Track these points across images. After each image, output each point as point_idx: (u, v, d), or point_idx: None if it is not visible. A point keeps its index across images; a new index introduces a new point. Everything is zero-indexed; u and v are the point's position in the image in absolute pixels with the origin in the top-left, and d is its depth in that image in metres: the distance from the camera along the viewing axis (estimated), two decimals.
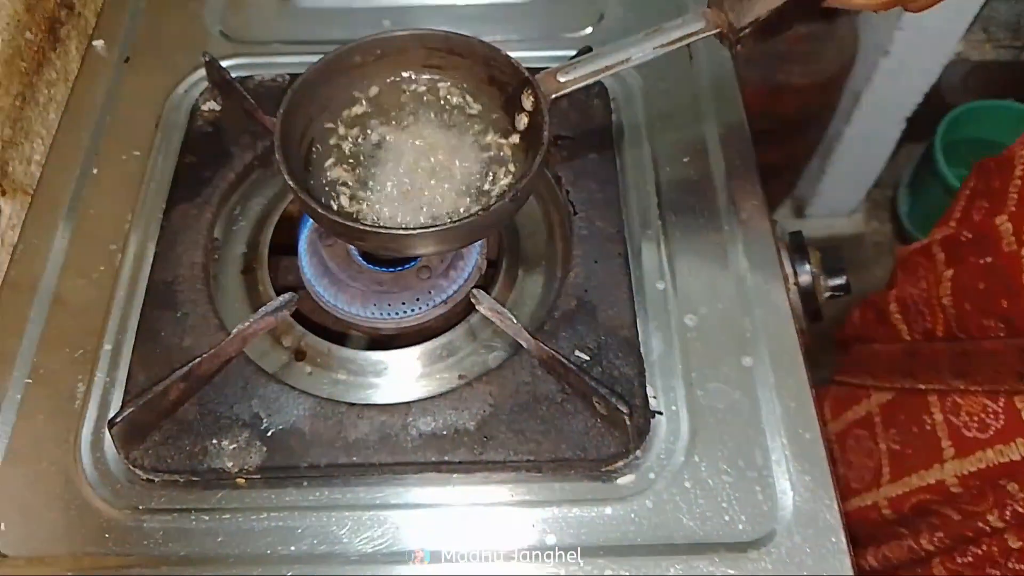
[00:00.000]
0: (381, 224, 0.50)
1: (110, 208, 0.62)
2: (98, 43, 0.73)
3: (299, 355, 0.56)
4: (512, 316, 0.52)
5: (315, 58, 0.68)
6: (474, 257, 0.57)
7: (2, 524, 0.50)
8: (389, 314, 0.55)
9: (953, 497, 0.62)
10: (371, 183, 0.52)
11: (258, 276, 0.59)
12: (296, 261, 0.58)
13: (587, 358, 0.52)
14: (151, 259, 0.59)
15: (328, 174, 0.52)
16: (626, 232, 0.58)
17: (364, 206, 0.51)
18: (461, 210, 0.50)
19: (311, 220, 0.59)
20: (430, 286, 0.56)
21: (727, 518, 0.49)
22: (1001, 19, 1.81)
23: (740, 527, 0.48)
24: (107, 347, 0.56)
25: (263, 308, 0.53)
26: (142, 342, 0.54)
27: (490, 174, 0.52)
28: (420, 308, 0.55)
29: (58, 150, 0.66)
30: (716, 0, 0.48)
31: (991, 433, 0.59)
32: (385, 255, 0.57)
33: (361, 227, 0.47)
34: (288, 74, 0.67)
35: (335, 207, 0.51)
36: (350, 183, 0.52)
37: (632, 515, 0.49)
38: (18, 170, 0.64)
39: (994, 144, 1.73)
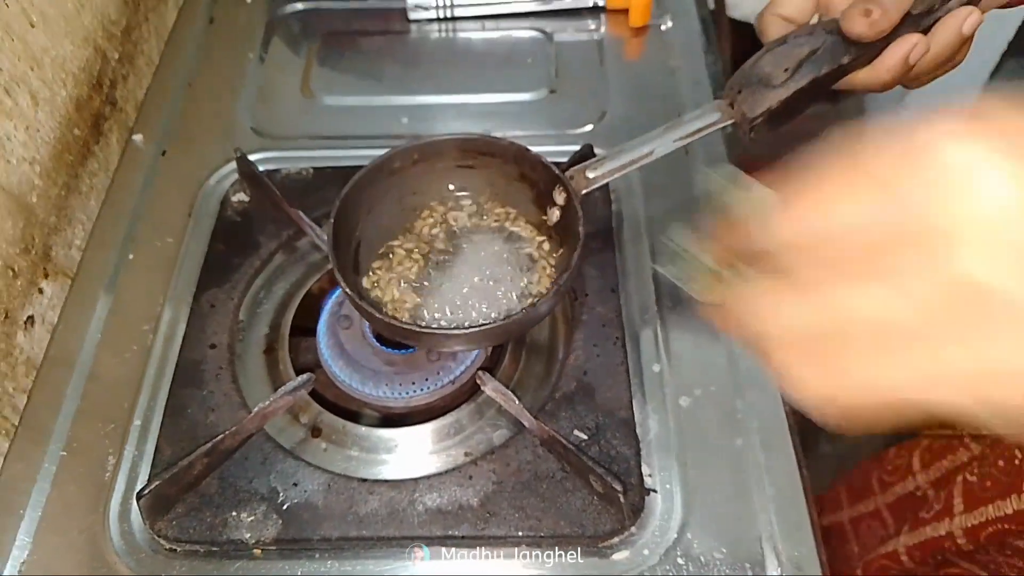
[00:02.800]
0: (432, 325, 0.54)
1: (144, 291, 0.67)
2: (137, 137, 0.79)
3: (315, 432, 0.59)
4: (515, 397, 0.56)
5: (337, 152, 0.75)
6: None
7: None
8: (400, 393, 0.59)
9: None
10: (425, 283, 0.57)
11: (279, 356, 0.63)
12: (315, 342, 0.62)
13: (585, 437, 0.55)
14: (180, 339, 0.63)
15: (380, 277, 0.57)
16: (624, 317, 0.62)
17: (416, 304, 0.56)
18: (499, 307, 0.55)
19: (329, 304, 0.63)
20: (439, 367, 0.60)
21: None
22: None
23: None
24: (137, 422, 0.59)
25: (282, 388, 0.57)
26: (169, 418, 0.58)
27: (527, 269, 0.56)
28: (429, 388, 0.59)
29: (97, 236, 0.71)
30: (729, 93, 0.51)
31: None
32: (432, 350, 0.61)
33: (417, 329, 0.52)
34: (312, 167, 0.73)
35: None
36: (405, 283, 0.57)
37: None
38: (60, 254, 0.69)
39: None
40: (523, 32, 0.86)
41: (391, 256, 0.58)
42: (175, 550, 0.54)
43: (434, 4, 0.86)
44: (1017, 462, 0.66)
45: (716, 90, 0.79)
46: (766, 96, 0.49)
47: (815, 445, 1.68)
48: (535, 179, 0.57)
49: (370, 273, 0.58)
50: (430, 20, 0.87)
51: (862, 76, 0.49)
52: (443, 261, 0.57)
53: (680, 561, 0.52)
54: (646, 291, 0.64)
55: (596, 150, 0.64)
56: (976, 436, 0.74)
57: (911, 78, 0.49)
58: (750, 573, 0.52)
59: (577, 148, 0.65)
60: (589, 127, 0.76)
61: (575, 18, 0.86)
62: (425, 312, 0.56)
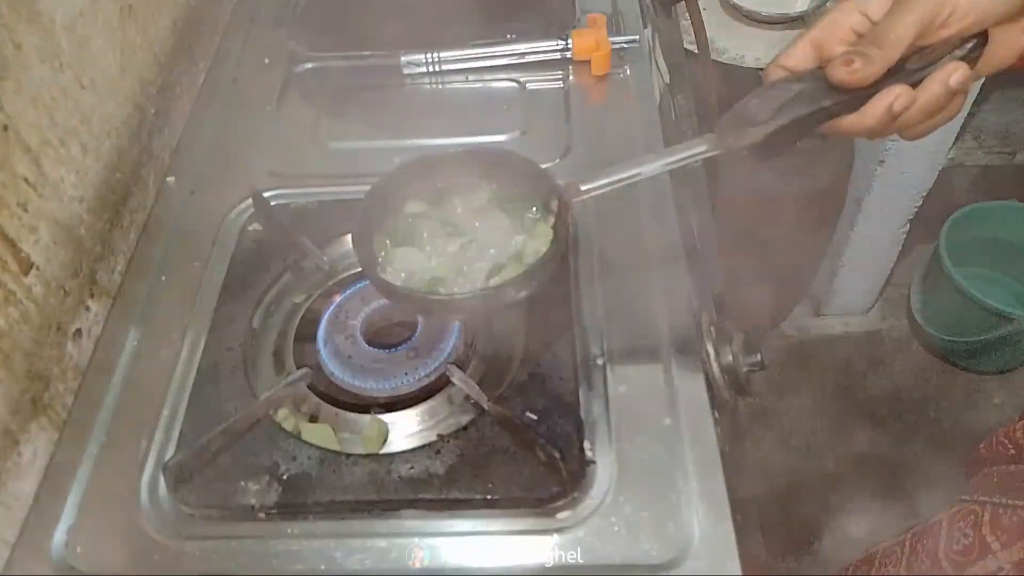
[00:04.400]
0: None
1: (174, 307, 0.79)
2: (170, 179, 0.92)
3: (313, 418, 0.70)
4: (476, 385, 0.66)
5: (339, 188, 0.86)
6: (452, 340, 0.71)
7: (78, 548, 0.64)
8: (383, 386, 0.70)
9: None
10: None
11: (285, 357, 0.74)
12: (315, 346, 0.74)
13: (535, 418, 0.66)
14: (203, 345, 0.75)
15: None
16: (574, 320, 0.72)
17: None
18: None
19: (327, 314, 0.75)
20: (417, 363, 0.70)
21: (644, 546, 0.60)
22: (990, 128, 1.93)
23: (654, 553, 0.60)
24: (165, 413, 0.71)
25: (284, 380, 0.68)
26: (192, 408, 0.70)
27: (523, 254, 0.64)
28: (408, 380, 0.70)
29: (135, 262, 0.84)
30: (718, 127, 0.56)
31: None
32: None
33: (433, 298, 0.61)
34: (318, 201, 0.85)
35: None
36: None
37: (569, 544, 0.61)
38: (104, 278, 0.81)
39: (1002, 242, 1.85)
40: (500, 83, 0.98)
41: (404, 233, 0.66)
42: (194, 515, 0.65)
43: (424, 61, 0.98)
44: None
45: (666, 128, 0.90)
46: (750, 131, 0.53)
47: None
48: (538, 187, 0.65)
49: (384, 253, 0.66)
50: (421, 74, 1.00)
51: (848, 122, 0.52)
52: (453, 240, 0.65)
53: (613, 519, 0.62)
54: (594, 297, 0.75)
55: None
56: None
57: (901, 127, 0.52)
58: (672, 529, 0.61)
59: None
60: (556, 160, 0.88)
61: (545, 69, 0.98)
62: (438, 286, 0.63)
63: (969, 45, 0.51)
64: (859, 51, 0.49)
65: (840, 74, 0.49)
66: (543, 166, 0.85)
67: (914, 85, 0.50)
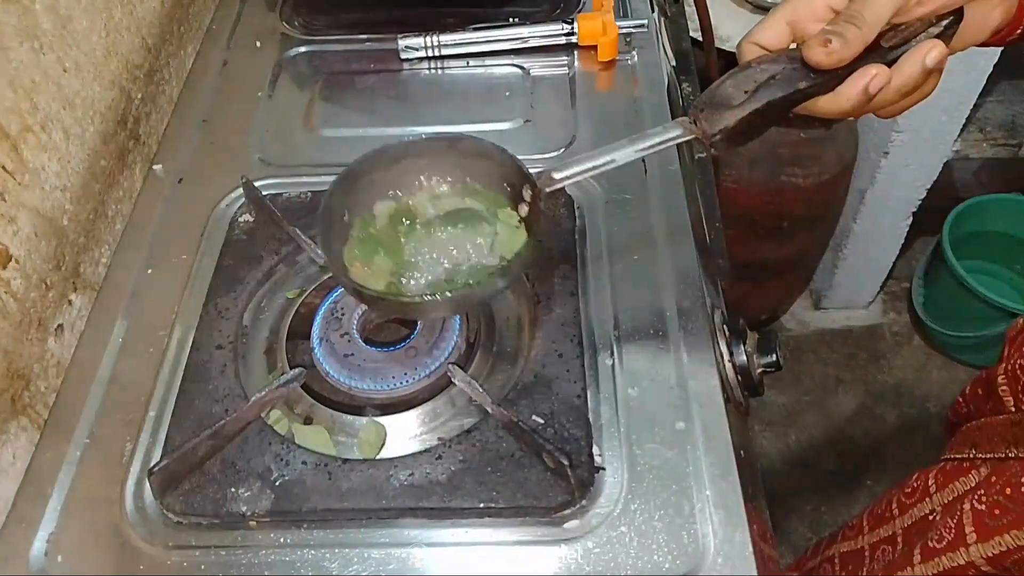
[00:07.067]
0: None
1: (161, 301, 0.75)
2: (158, 167, 0.88)
3: (307, 420, 0.67)
4: (479, 387, 0.63)
5: (333, 177, 0.83)
6: (453, 339, 0.68)
7: (59, 557, 0.61)
8: (381, 386, 0.66)
9: None
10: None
11: (277, 355, 0.71)
12: (309, 344, 0.70)
13: (542, 422, 0.63)
14: (191, 342, 0.71)
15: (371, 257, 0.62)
16: (582, 317, 0.69)
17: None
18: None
19: (322, 310, 0.71)
20: (416, 363, 0.67)
21: (657, 557, 0.57)
22: (996, 120, 1.91)
23: (667, 565, 0.57)
24: (151, 414, 0.67)
25: (276, 381, 0.65)
26: (179, 409, 0.66)
27: (498, 251, 0.61)
28: (407, 381, 0.66)
29: (121, 254, 0.80)
30: (693, 111, 0.54)
31: None
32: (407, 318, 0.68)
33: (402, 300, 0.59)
34: (310, 191, 0.81)
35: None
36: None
37: (577, 555, 0.58)
38: (88, 271, 0.77)
39: (1004, 236, 1.83)
40: (503, 68, 0.95)
41: (374, 230, 0.63)
42: (182, 522, 0.61)
43: (423, 45, 0.95)
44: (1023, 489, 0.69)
45: (676, 116, 0.86)
46: (724, 115, 0.52)
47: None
48: (511, 177, 0.62)
49: (355, 250, 0.63)
50: (420, 59, 0.96)
51: (824, 103, 0.51)
52: (422, 236, 0.62)
53: (623, 529, 0.59)
54: (603, 294, 0.72)
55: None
56: (987, 459, 0.77)
57: (876, 107, 0.51)
58: (686, 539, 0.58)
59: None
60: (561, 151, 0.84)
61: (550, 55, 0.95)
62: (404, 283, 0.61)
63: (945, 22, 0.50)
64: (835, 31, 0.48)
65: (817, 55, 0.49)
66: (548, 155, 0.83)
67: (889, 63, 0.49)
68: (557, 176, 0.58)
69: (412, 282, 0.61)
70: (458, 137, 0.64)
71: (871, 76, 0.48)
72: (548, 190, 0.59)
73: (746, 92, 0.51)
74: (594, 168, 0.57)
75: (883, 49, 0.50)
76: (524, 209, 0.62)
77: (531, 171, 0.60)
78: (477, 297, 0.61)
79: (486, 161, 0.63)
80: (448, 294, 0.58)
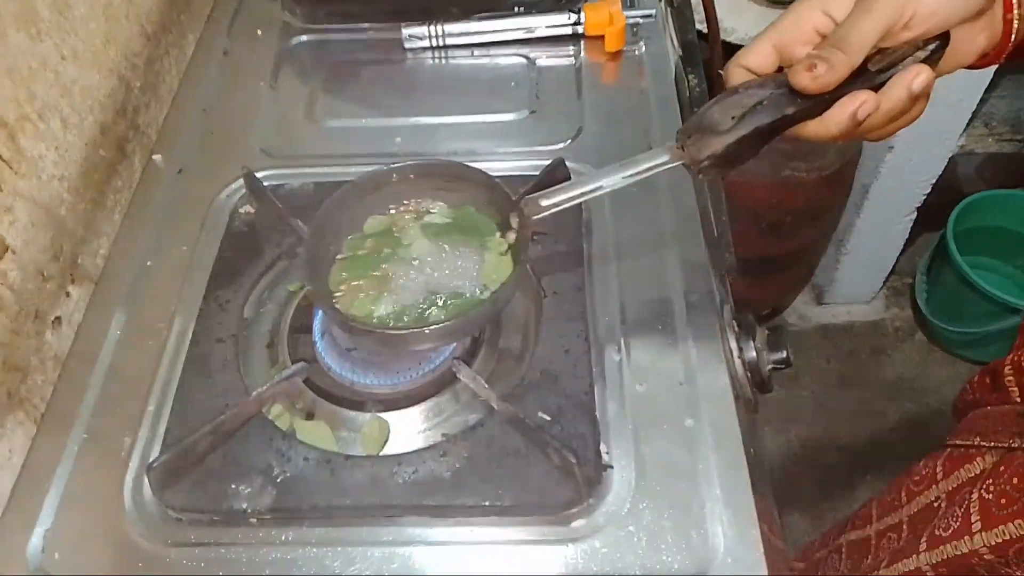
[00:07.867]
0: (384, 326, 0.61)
1: (160, 293, 0.74)
2: (157, 157, 0.87)
3: (309, 415, 0.66)
4: (485, 383, 0.62)
5: (336, 169, 0.82)
6: None
7: (56, 554, 0.60)
8: (385, 381, 0.65)
9: None
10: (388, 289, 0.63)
11: (279, 349, 0.70)
12: (311, 337, 0.69)
13: (548, 418, 0.61)
14: (191, 335, 0.70)
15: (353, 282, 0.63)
16: (588, 313, 0.68)
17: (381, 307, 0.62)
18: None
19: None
20: (420, 358, 0.66)
21: (666, 557, 0.57)
22: (1001, 115, 1.91)
23: (676, 565, 0.56)
24: (151, 408, 0.66)
25: (277, 376, 0.64)
26: (179, 404, 0.65)
27: (483, 280, 0.62)
28: (411, 376, 0.65)
29: (120, 246, 0.79)
30: (680, 137, 0.54)
31: None
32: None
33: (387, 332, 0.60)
34: (313, 183, 0.80)
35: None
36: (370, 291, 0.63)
37: (584, 555, 0.57)
38: (87, 262, 0.76)
39: (1009, 232, 1.82)
40: (508, 58, 0.93)
41: (361, 258, 0.64)
42: (181, 519, 0.60)
43: (427, 34, 0.93)
44: None
45: (683, 109, 0.85)
46: (712, 142, 0.51)
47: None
48: (500, 204, 0.63)
49: (342, 274, 0.64)
50: (424, 49, 0.94)
51: (811, 127, 0.51)
52: (411, 264, 0.63)
53: (631, 529, 0.58)
54: (609, 289, 0.70)
55: (568, 164, 0.71)
56: (992, 447, 0.77)
57: (864, 132, 0.51)
58: (695, 539, 0.57)
59: (549, 162, 0.72)
60: (568, 142, 0.83)
61: (556, 45, 0.93)
62: (390, 313, 0.61)
63: (932, 46, 0.50)
64: (822, 56, 0.48)
65: (803, 80, 0.48)
66: (554, 147, 0.82)
67: (876, 86, 0.49)
68: (544, 203, 0.59)
69: (394, 307, 0.62)
70: (446, 163, 0.65)
71: (859, 102, 0.48)
72: (535, 218, 0.59)
73: (733, 118, 0.51)
74: (582, 195, 0.58)
75: (870, 73, 0.49)
76: (511, 236, 0.62)
77: (519, 196, 0.60)
78: (469, 328, 0.63)
79: (474, 187, 0.64)
80: (426, 330, 0.59)
